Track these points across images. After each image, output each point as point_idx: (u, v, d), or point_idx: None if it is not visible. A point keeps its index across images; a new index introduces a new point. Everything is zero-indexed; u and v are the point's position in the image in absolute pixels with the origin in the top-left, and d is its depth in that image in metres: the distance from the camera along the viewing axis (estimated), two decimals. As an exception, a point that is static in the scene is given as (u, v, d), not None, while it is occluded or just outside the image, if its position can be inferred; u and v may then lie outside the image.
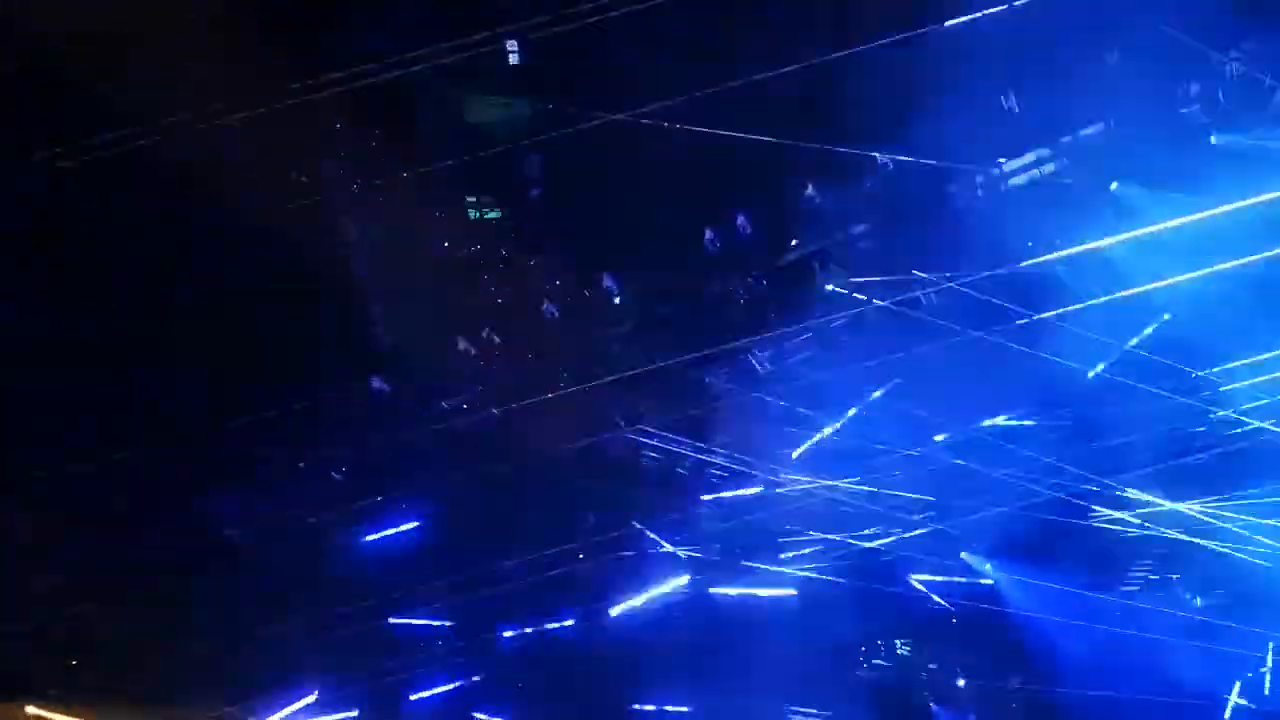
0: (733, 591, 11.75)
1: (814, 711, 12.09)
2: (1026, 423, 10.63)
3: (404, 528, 11.11)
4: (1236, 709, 11.22)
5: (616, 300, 9.93)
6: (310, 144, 8.00)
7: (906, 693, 12.11)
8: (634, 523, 11.40)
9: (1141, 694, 11.12)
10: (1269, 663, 10.90)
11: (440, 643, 11.95)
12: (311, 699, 11.43)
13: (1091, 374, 9.90)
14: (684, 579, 11.55)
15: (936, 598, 11.93)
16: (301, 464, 10.19)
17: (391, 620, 11.51)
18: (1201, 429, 10.26)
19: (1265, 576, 10.33)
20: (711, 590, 11.69)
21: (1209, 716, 11.23)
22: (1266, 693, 10.99)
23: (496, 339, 10.07)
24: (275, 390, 9.34)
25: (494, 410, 10.39)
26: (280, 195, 7.90)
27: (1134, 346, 9.82)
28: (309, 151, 7.94)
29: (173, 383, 9.03)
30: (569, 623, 11.89)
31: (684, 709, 12.34)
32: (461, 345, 10.02)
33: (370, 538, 11.06)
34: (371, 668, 11.73)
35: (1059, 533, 11.14)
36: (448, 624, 11.87)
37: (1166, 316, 9.72)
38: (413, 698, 12.03)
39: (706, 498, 11.33)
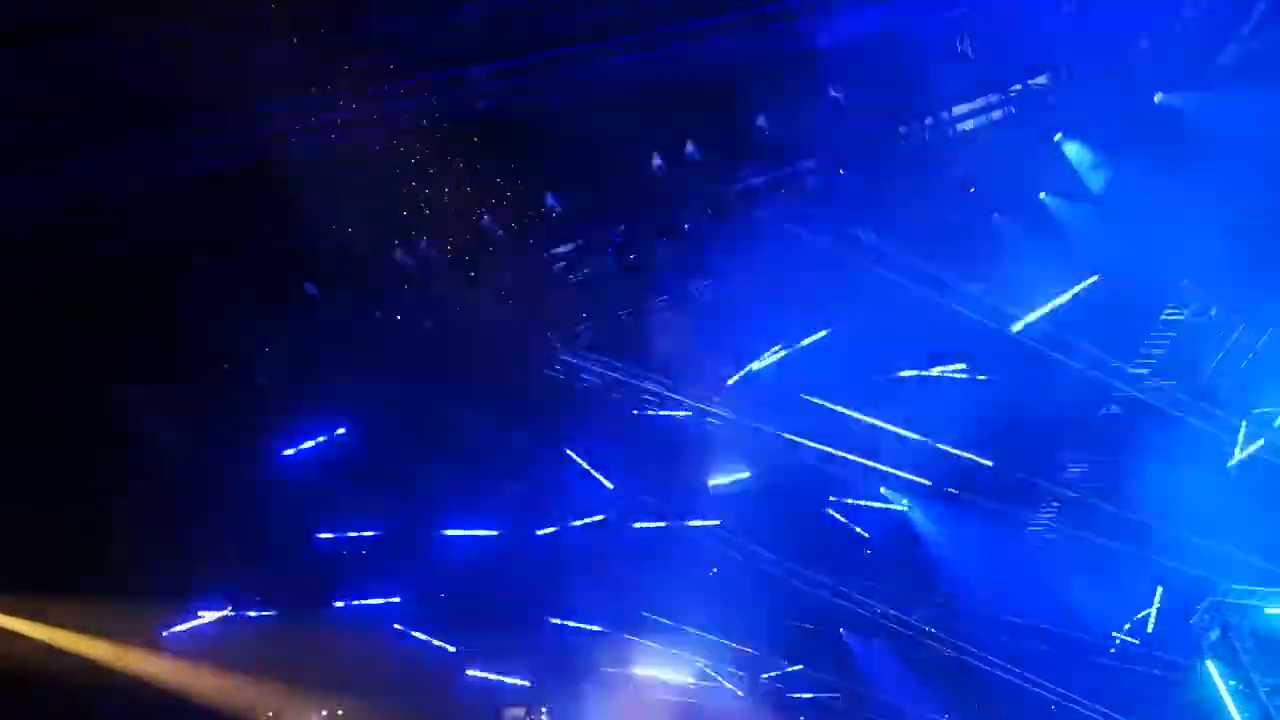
0: (656, 524, 12.01)
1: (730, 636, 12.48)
2: (954, 373, 10.96)
3: (335, 434, 11.08)
4: (1123, 644, 11.86)
5: (559, 220, 9.86)
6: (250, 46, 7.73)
7: (818, 618, 12.57)
8: (567, 450, 11.52)
9: (1038, 625, 11.65)
10: (1155, 604, 11.51)
11: (364, 552, 12.03)
12: (227, 612, 11.49)
13: (1016, 328, 10.21)
14: (608, 515, 11.78)
15: (855, 527, 12.32)
16: (227, 366, 10.02)
17: (317, 535, 11.54)
18: (1116, 387, 10.66)
19: (1157, 527, 10.86)
20: (635, 525, 11.93)
21: (1097, 649, 11.84)
22: (1150, 631, 11.60)
23: (434, 251, 9.95)
24: (206, 292, 9.14)
25: (428, 322, 10.32)
26: (216, 95, 7.65)
27: (1058, 306, 10.12)
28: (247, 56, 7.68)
29: (105, 279, 8.80)
30: (494, 533, 12.01)
31: (600, 628, 12.64)
32: (398, 254, 9.87)
33: (299, 447, 11.02)
34: (294, 573, 11.79)
35: (975, 474, 11.55)
36: (373, 534, 11.94)
37: (1094, 278, 10.01)
38: (336, 605, 12.14)
39: (637, 417, 11.49)
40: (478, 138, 9.08)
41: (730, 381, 11.41)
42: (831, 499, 12.22)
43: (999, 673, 11.69)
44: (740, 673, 12.87)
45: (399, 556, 12.05)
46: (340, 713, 12.71)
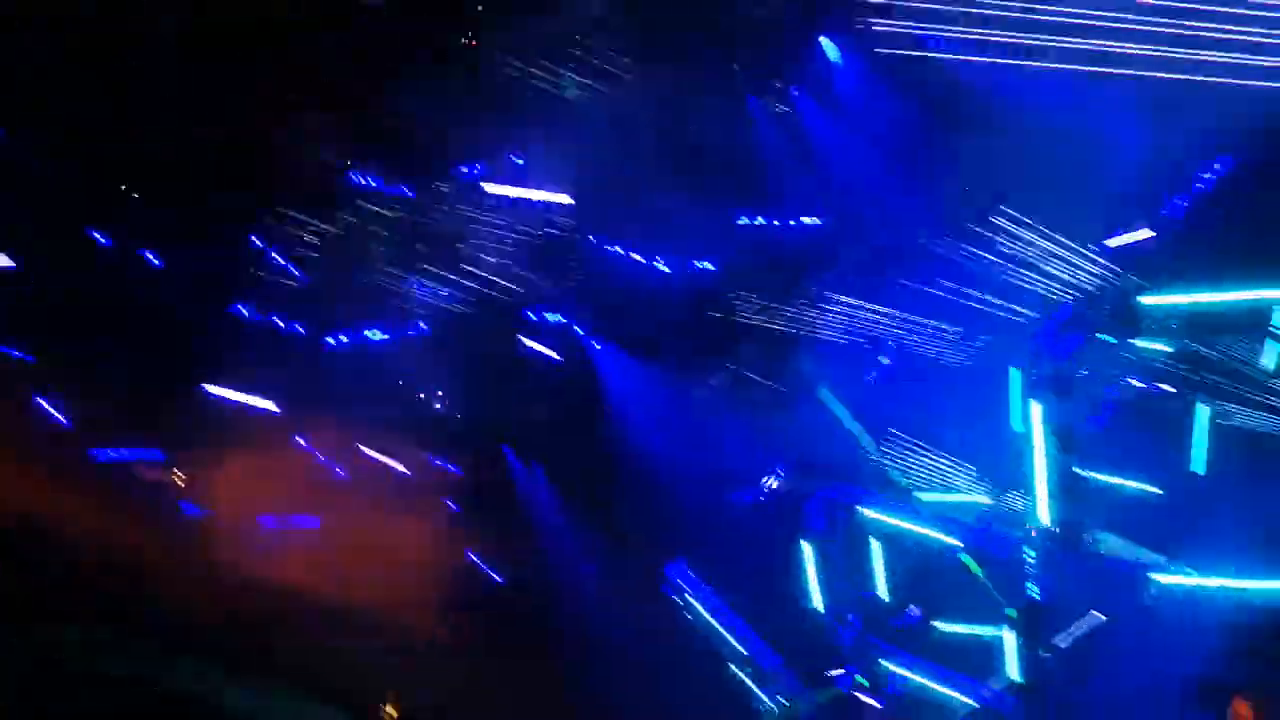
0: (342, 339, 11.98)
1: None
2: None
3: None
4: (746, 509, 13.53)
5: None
6: None
7: (483, 431, 13.21)
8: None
9: (692, 459, 12.93)
10: (792, 459, 13.08)
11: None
12: None
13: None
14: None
15: (543, 349, 12.93)
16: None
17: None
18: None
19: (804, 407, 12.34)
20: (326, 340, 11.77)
21: (743, 495, 13.38)
22: (775, 488, 13.27)
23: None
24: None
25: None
26: None
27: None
28: None
29: None
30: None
31: (258, 403, 12.47)
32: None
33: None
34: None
35: (662, 323, 12.50)
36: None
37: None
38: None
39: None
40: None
41: (452, 188, 11.49)
42: (530, 318, 12.70)
43: (646, 509, 12.90)
44: (403, 462, 13.26)
45: (41, 293, 11.09)
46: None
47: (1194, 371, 9.97)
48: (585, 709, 12.09)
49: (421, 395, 12.43)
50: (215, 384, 12.02)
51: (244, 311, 11.66)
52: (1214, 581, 9.96)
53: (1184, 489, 10.21)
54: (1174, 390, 10.08)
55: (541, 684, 12.16)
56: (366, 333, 12.08)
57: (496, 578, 13.15)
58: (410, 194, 11.55)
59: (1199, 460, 10.08)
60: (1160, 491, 10.45)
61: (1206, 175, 9.89)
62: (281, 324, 11.81)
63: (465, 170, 11.48)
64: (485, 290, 12.19)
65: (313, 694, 11.76)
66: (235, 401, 12.12)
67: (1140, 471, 10.61)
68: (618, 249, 12.00)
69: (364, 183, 11.38)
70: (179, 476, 12.02)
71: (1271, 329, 9.46)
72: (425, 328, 12.23)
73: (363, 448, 12.67)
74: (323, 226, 11.34)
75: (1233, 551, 9.98)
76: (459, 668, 12.02)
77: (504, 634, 12.65)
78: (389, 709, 12.61)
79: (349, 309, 11.99)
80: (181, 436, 11.94)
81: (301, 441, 12.50)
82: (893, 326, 11.70)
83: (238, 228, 11.18)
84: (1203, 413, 9.99)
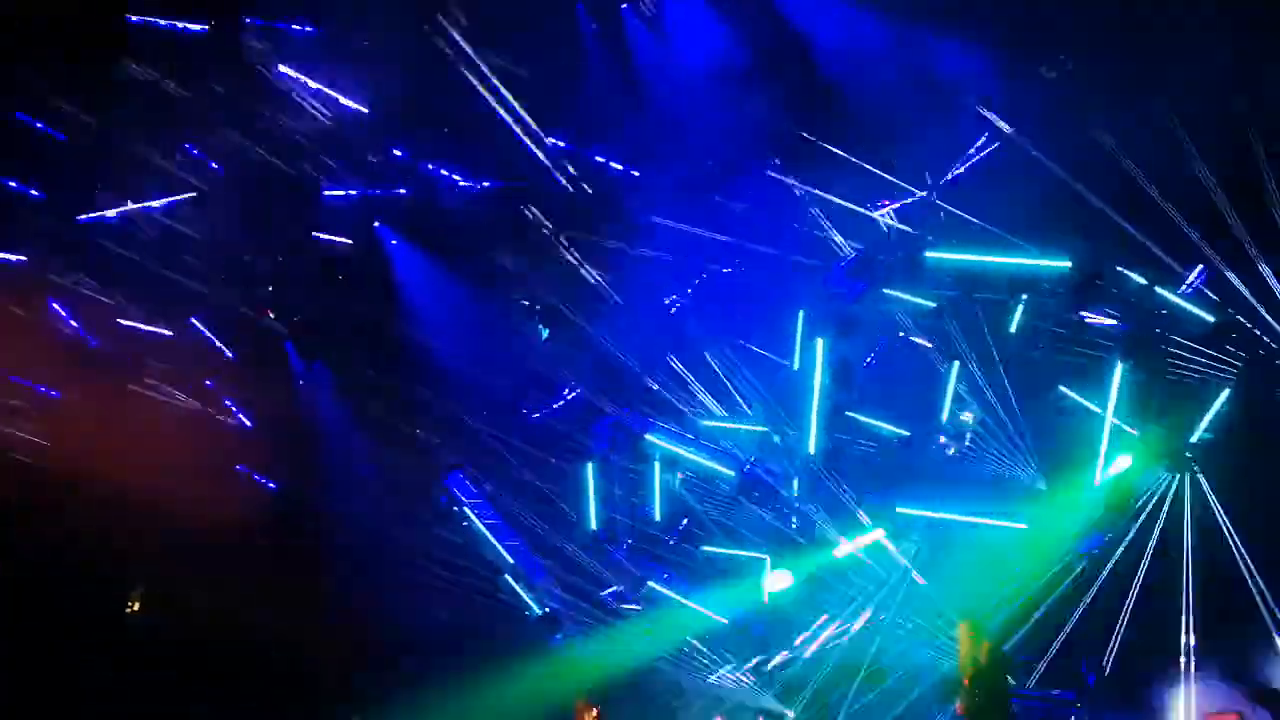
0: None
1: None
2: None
3: None
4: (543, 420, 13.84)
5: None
6: None
7: (261, 318, 12.85)
8: None
9: (485, 371, 13.07)
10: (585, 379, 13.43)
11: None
12: None
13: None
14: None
15: (335, 238, 12.69)
16: None
17: None
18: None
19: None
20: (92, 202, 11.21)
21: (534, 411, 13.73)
22: (565, 407, 13.64)
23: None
24: None
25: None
26: None
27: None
28: None
29: None
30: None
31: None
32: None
33: None
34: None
35: (466, 231, 12.54)
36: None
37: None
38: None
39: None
40: None
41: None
42: (324, 202, 12.39)
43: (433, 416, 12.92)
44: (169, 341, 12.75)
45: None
46: None
47: (953, 327, 10.96)
48: (355, 610, 12.17)
49: (197, 272, 11.88)
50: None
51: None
52: (949, 516, 11.14)
53: (930, 434, 11.31)
54: (931, 345, 11.10)
55: (309, 585, 12.12)
56: (138, 200, 11.45)
57: (266, 478, 12.90)
58: (199, 32, 10.89)
59: (943, 408, 11.21)
60: (908, 434, 11.57)
61: (981, 144, 10.75)
62: (37, 186, 11.05)
63: (259, 25, 10.89)
64: (277, 167, 11.74)
65: (54, 576, 11.32)
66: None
67: (895, 415, 11.66)
68: (424, 160, 11.91)
69: (144, 27, 10.66)
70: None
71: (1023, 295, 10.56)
72: (203, 197, 11.67)
73: (124, 320, 12.07)
74: (95, 79, 10.59)
75: (969, 491, 11.15)
76: (220, 560, 11.81)
77: (274, 531, 12.48)
78: (133, 601, 12.33)
79: (120, 172, 11.29)
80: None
81: (57, 308, 11.81)
82: (698, 252, 12.17)
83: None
84: (953, 366, 11.07)
